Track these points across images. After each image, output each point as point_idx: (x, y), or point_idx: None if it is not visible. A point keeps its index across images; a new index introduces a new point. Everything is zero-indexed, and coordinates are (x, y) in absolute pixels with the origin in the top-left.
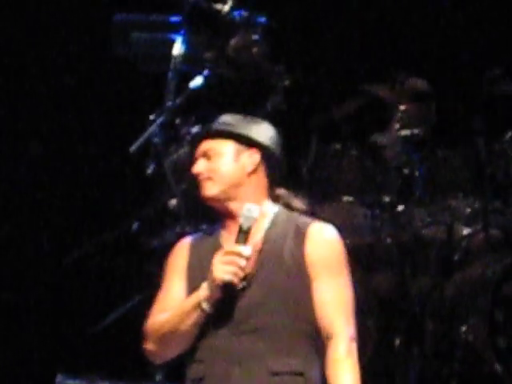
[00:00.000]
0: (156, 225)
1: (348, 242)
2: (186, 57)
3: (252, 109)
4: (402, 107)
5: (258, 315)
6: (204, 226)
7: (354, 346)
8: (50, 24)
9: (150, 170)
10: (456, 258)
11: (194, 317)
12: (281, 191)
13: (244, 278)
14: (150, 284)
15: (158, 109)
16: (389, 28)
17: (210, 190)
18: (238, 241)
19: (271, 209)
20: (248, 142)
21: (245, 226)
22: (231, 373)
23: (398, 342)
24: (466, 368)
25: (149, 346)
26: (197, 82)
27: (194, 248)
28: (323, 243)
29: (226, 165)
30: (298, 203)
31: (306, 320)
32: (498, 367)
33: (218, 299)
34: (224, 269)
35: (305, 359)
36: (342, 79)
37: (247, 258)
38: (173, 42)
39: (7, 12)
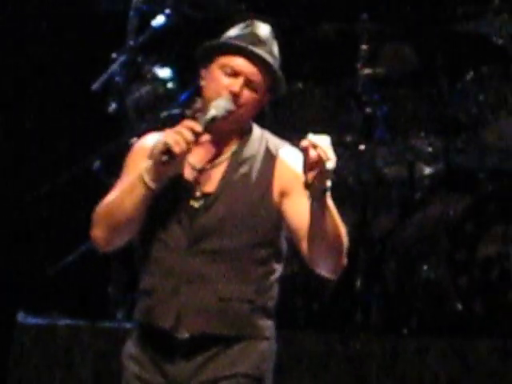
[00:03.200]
0: (117, 163)
1: None
2: None
3: None
4: (364, 47)
5: (216, 237)
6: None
7: None
8: None
9: (111, 108)
10: (417, 197)
11: (137, 192)
12: None
13: (203, 195)
14: None
15: (120, 47)
16: None
17: (231, 118)
18: (197, 120)
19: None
20: (275, 87)
21: (213, 112)
22: (180, 291)
23: (359, 281)
24: (427, 307)
25: (95, 230)
26: (159, 20)
27: None
28: (292, 168)
29: (257, 104)
30: None
31: (264, 245)
32: (458, 305)
33: (160, 173)
34: (170, 135)
35: (257, 287)
36: (304, 18)
37: (197, 135)
38: None
39: None
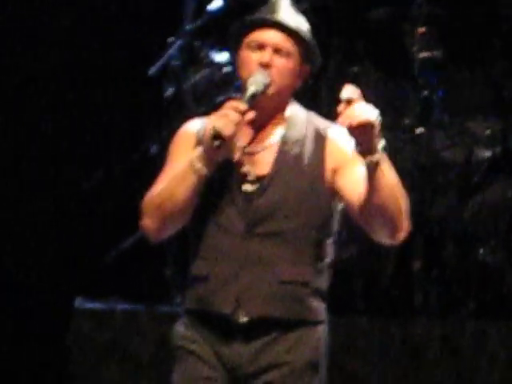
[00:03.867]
0: None
1: None
2: None
3: None
4: (421, 30)
5: (272, 219)
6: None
7: None
8: None
9: (168, 93)
10: (475, 180)
11: (189, 180)
12: None
13: (257, 178)
14: None
15: (177, 31)
16: None
17: (269, 90)
18: (240, 99)
19: (288, 108)
20: (311, 57)
21: (252, 89)
22: (239, 275)
23: (417, 265)
24: (484, 290)
25: (146, 221)
26: (216, 4)
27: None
28: (343, 144)
29: (292, 72)
30: None
31: (318, 227)
32: None
33: (212, 158)
34: (217, 119)
35: (314, 269)
36: (358, 2)
37: (243, 114)
38: None
39: None
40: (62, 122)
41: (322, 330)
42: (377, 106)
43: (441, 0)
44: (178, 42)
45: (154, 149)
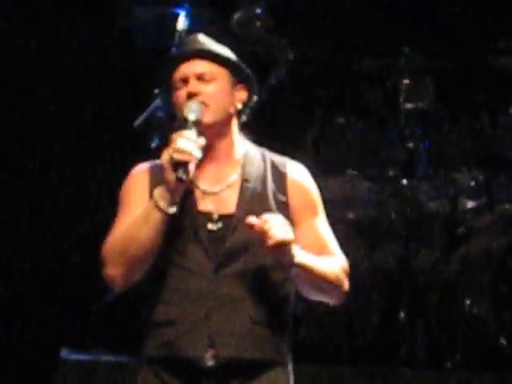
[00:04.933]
0: None
1: (352, 215)
2: (189, 31)
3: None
4: (406, 81)
5: (242, 259)
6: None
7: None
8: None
9: (154, 144)
10: (460, 231)
11: (153, 220)
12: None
13: (221, 217)
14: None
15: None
16: (392, 2)
17: (207, 116)
18: (188, 129)
19: (240, 144)
20: (241, 76)
21: (192, 117)
22: (210, 317)
23: (402, 315)
24: (470, 341)
25: (111, 270)
26: None
27: (154, 178)
28: (304, 186)
29: (224, 94)
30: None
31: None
32: (502, 340)
33: (174, 195)
34: (168, 151)
35: (281, 308)
36: (345, 53)
37: (197, 145)
38: (177, 16)
39: None
40: (56, 169)
41: (290, 373)
42: (362, 156)
43: (428, 52)
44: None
45: None
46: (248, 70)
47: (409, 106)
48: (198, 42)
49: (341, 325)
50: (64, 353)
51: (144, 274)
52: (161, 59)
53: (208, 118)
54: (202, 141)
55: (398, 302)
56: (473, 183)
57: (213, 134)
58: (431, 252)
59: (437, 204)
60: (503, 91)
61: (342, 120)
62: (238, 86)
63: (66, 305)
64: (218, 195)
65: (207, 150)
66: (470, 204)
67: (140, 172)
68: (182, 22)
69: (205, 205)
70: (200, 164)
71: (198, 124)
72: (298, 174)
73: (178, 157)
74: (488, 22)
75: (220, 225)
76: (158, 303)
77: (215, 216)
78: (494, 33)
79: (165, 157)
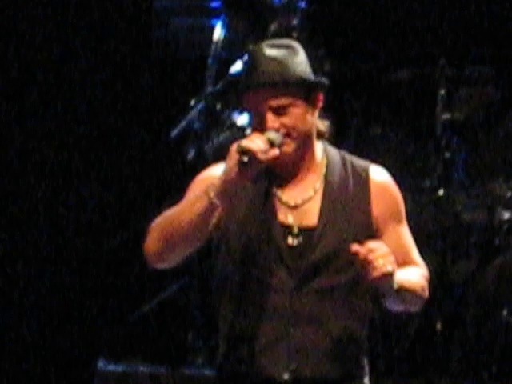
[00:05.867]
0: None
1: None
2: (226, 42)
3: None
4: (442, 91)
5: (324, 275)
6: None
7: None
8: (90, 10)
9: (190, 156)
10: (497, 241)
11: (199, 205)
12: (321, 125)
13: (302, 231)
14: (189, 271)
15: (199, 94)
16: (429, 12)
17: (289, 147)
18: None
19: (320, 149)
20: (314, 87)
21: (277, 141)
22: (289, 334)
23: (439, 326)
24: (507, 352)
25: (148, 243)
26: (237, 67)
27: None
28: (388, 192)
29: (303, 118)
30: (322, 127)
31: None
32: None
33: (225, 188)
34: (244, 141)
35: (361, 323)
36: (381, 63)
37: (272, 146)
38: (213, 27)
39: None
40: (90, 186)
41: (367, 382)
42: (398, 167)
43: (463, 62)
44: (199, 105)
45: None
46: (318, 80)
47: (445, 116)
48: (269, 70)
49: (377, 334)
50: (101, 364)
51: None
52: (231, 86)
53: (290, 149)
54: (275, 151)
55: (435, 313)
56: (509, 193)
57: (292, 155)
58: (468, 262)
59: (473, 214)
60: None
61: (378, 131)
62: (314, 99)
63: (103, 315)
64: (300, 207)
65: (287, 165)
66: (507, 214)
67: (209, 173)
68: (218, 33)
69: (286, 217)
70: (281, 176)
71: (273, 144)
72: (381, 179)
73: (246, 144)
74: None
75: (301, 239)
76: (235, 315)
77: (295, 230)
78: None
79: (234, 146)
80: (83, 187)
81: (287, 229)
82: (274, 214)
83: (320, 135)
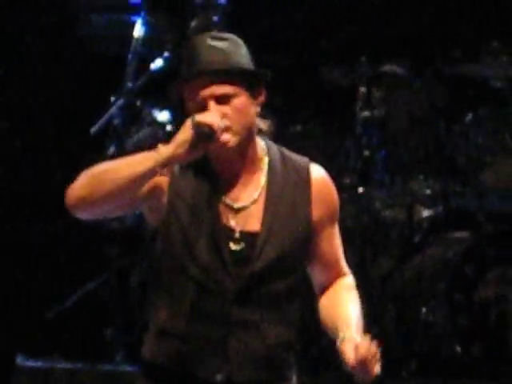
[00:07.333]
0: None
1: None
2: (146, 39)
3: None
4: (363, 89)
5: (266, 283)
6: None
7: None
8: (12, 5)
9: (110, 151)
10: (416, 239)
11: (143, 166)
12: (262, 123)
13: (244, 235)
14: (108, 267)
15: (118, 90)
16: (351, 10)
17: (231, 141)
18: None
19: (261, 145)
20: (259, 81)
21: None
22: (226, 339)
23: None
24: (426, 349)
25: (75, 188)
26: (157, 63)
27: (178, 172)
28: (328, 194)
29: (246, 109)
30: (264, 126)
31: (299, 280)
32: (458, 348)
33: (173, 162)
34: (203, 115)
35: (294, 327)
36: (301, 61)
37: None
38: (133, 23)
39: None
40: (8, 178)
41: (295, 381)
42: (318, 164)
43: (383, 60)
44: (120, 101)
45: None
46: (263, 73)
47: (365, 113)
48: (213, 59)
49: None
50: (19, 359)
51: (152, 278)
52: (172, 77)
53: (234, 142)
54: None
55: None
56: (429, 191)
57: (235, 150)
58: (387, 260)
59: (393, 212)
60: (458, 99)
61: (298, 128)
62: (256, 91)
63: (22, 310)
64: (243, 210)
65: (230, 163)
66: (426, 212)
67: None
68: (138, 30)
69: (228, 220)
70: (223, 175)
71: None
72: (321, 182)
73: (203, 117)
74: (446, 29)
75: (243, 245)
76: (170, 313)
77: (238, 234)
78: (451, 41)
79: (188, 120)
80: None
81: (230, 233)
82: (216, 215)
83: (260, 132)
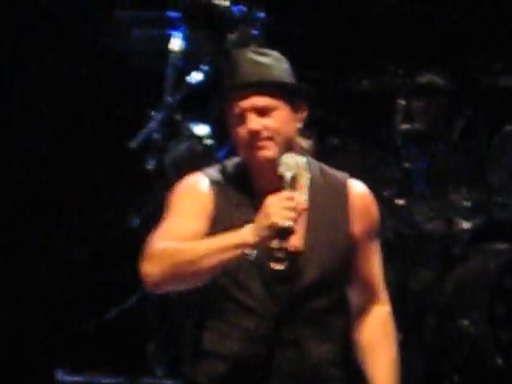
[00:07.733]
0: (156, 221)
1: None
2: (185, 52)
3: None
4: (402, 102)
5: (308, 301)
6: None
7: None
8: (49, 21)
9: (150, 166)
10: (457, 251)
11: (228, 256)
12: (303, 142)
13: (292, 256)
14: None
15: (158, 105)
16: (388, 21)
17: (271, 151)
18: (285, 189)
19: (301, 161)
20: (300, 97)
21: (289, 175)
22: (268, 357)
23: (399, 337)
24: (467, 362)
25: (151, 267)
26: (196, 77)
27: (218, 189)
28: (367, 213)
29: (287, 123)
30: (305, 144)
31: (342, 295)
32: (499, 361)
33: (263, 244)
34: (282, 214)
35: (340, 343)
36: (340, 73)
37: (302, 208)
38: (172, 37)
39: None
40: (52, 194)
41: None
42: (357, 177)
43: (422, 72)
44: (159, 115)
45: (136, 221)
46: (305, 88)
47: (405, 126)
48: (254, 72)
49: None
50: (59, 374)
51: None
52: (210, 91)
53: (274, 152)
54: (304, 197)
55: (395, 323)
56: (469, 204)
57: (275, 166)
58: (427, 273)
59: (433, 224)
60: (498, 110)
61: (336, 141)
62: (298, 107)
63: (62, 325)
64: None
65: (270, 180)
66: (466, 224)
67: (199, 183)
68: (176, 43)
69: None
70: (264, 194)
71: (294, 179)
72: (361, 197)
73: (282, 223)
74: (484, 42)
75: (286, 263)
76: (215, 335)
77: (279, 253)
78: (486, 54)
79: (275, 218)
80: (45, 197)
81: (271, 251)
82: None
83: (302, 150)
